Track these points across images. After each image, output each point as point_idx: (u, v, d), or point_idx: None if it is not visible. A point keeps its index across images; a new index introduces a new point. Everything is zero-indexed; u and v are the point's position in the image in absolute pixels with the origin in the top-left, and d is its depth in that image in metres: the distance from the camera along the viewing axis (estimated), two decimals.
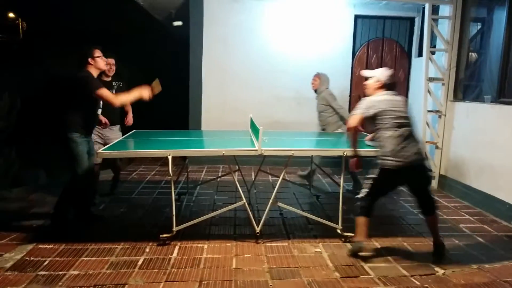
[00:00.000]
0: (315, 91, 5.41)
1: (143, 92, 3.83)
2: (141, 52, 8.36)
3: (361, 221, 3.46)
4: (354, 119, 3.42)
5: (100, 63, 3.80)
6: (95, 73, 3.79)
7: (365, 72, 3.66)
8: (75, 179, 3.77)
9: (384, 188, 3.53)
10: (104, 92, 3.68)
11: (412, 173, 3.34)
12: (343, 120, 5.18)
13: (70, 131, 3.71)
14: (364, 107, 3.40)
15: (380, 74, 3.55)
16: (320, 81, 5.32)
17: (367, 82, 3.59)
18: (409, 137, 3.34)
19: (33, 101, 6.38)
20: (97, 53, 3.78)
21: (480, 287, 3.00)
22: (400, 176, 3.37)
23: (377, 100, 3.41)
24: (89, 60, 3.73)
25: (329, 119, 5.29)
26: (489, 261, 3.46)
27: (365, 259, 3.45)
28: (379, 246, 3.74)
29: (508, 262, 3.45)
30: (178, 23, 4.63)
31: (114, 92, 4.36)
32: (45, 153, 5.70)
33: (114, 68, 4.54)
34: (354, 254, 3.50)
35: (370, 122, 3.46)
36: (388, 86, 3.53)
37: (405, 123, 3.35)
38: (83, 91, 3.67)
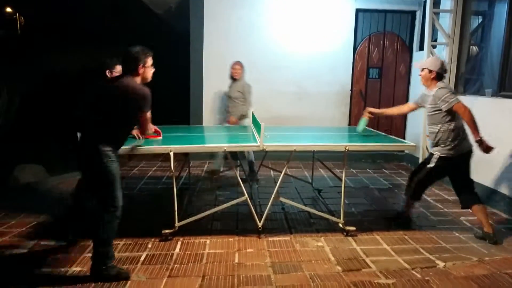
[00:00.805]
0: (235, 79, 5.54)
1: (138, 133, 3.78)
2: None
3: (477, 209, 3.74)
4: (464, 105, 3.55)
5: (149, 73, 3.09)
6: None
7: (417, 65, 3.80)
8: (114, 206, 2.94)
9: (467, 171, 3.78)
10: (148, 116, 3.11)
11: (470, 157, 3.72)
12: (245, 113, 5.50)
13: (106, 147, 2.90)
14: (454, 95, 3.57)
15: (432, 65, 3.66)
16: (242, 70, 5.54)
17: (421, 74, 3.72)
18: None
19: (32, 98, 6.38)
20: (150, 60, 3.09)
21: (480, 279, 3.02)
22: (469, 158, 3.71)
23: (453, 90, 3.64)
24: (139, 67, 2.99)
25: (240, 107, 5.49)
26: (489, 254, 3.48)
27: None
28: (380, 240, 3.76)
29: (508, 255, 3.48)
30: None
31: None
32: (44, 149, 5.71)
33: None
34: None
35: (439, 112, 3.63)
36: (441, 76, 3.67)
37: None
38: (134, 106, 2.95)
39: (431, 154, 3.76)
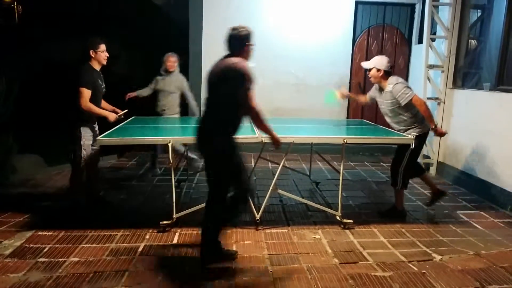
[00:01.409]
0: (170, 72, 5.17)
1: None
2: (139, 37, 8.28)
3: (425, 177, 4.30)
4: (420, 98, 3.84)
5: (251, 52, 3.00)
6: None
7: (364, 64, 3.97)
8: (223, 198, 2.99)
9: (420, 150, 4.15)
10: (253, 96, 2.84)
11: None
12: (194, 106, 5.32)
13: (222, 130, 2.91)
14: (410, 89, 3.82)
15: (379, 64, 3.86)
16: (177, 62, 5.25)
17: (370, 73, 3.92)
18: None
19: (31, 87, 6.33)
20: (252, 40, 2.98)
21: (477, 273, 3.05)
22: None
23: (407, 84, 3.86)
24: (245, 47, 2.94)
25: (176, 101, 5.26)
26: (485, 247, 3.51)
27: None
28: (377, 233, 3.78)
29: (504, 248, 3.50)
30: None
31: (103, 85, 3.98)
32: (42, 139, 5.68)
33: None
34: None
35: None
36: (389, 72, 3.89)
37: None
38: (235, 83, 2.80)
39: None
